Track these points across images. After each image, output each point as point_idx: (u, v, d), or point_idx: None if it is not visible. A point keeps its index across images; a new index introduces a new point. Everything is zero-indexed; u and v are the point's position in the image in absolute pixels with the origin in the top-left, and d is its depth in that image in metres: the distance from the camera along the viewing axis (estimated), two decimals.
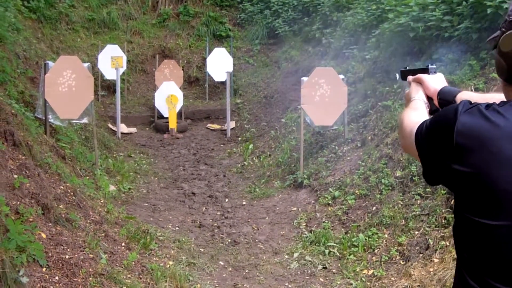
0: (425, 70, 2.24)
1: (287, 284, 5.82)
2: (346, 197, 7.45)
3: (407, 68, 2.44)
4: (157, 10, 17.73)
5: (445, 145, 1.55)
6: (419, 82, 2.19)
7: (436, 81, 2.16)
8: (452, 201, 5.99)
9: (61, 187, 6.15)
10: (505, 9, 7.05)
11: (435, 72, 2.21)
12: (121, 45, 14.56)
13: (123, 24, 16.78)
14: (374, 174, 7.46)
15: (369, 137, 8.44)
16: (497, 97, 1.77)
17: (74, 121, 9.05)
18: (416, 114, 1.91)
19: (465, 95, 2.00)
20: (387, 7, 10.26)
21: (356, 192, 7.43)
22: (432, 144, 1.62)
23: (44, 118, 8.30)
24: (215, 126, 13.87)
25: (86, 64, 9.10)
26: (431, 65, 2.23)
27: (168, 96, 12.97)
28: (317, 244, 6.67)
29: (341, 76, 9.29)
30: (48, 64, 8.61)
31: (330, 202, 7.65)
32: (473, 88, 7.15)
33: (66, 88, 8.52)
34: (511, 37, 1.58)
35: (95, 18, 16.32)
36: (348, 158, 8.50)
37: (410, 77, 2.28)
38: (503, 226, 1.47)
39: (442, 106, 2.04)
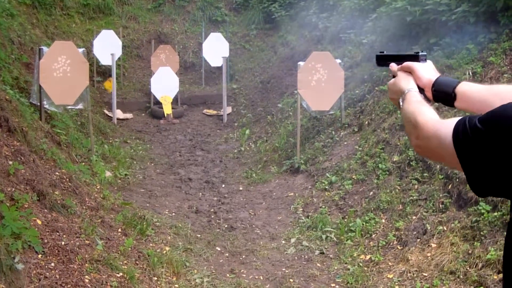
0: (414, 58, 1.95)
1: (284, 269, 5.81)
2: (343, 182, 7.43)
3: (385, 52, 2.15)
4: None
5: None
6: (408, 71, 1.90)
7: (429, 70, 1.89)
8: (450, 185, 5.98)
9: (57, 173, 6.12)
10: None
11: (425, 60, 1.94)
12: (117, 30, 14.45)
13: (118, 9, 16.65)
14: (371, 159, 7.44)
15: (366, 122, 8.41)
16: (507, 89, 1.60)
17: (69, 107, 8.99)
18: (429, 110, 1.66)
19: (466, 86, 1.76)
20: None
21: (353, 177, 7.41)
22: (490, 150, 1.34)
23: (39, 104, 8.24)
24: (212, 112, 13.82)
25: (81, 50, 9.03)
26: (422, 52, 1.97)
27: (162, 96, 12.96)
28: (314, 229, 6.66)
29: (338, 61, 9.23)
30: (43, 50, 8.54)
31: (327, 187, 7.63)
32: (470, 73, 7.12)
33: (61, 73, 8.45)
34: None
35: (90, 3, 16.16)
36: (345, 143, 8.47)
37: (394, 65, 1.98)
38: None
39: (438, 98, 1.83)
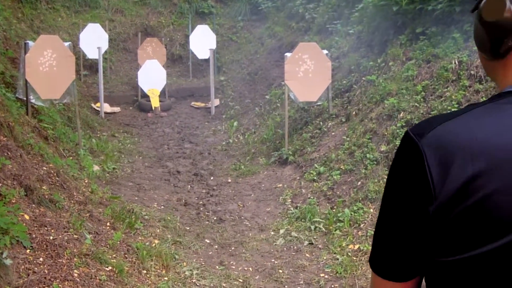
0: None
1: (273, 260, 5.83)
2: (331, 173, 7.45)
3: None
4: None
5: None
6: None
7: None
8: None
9: (44, 168, 6.09)
10: None
11: None
12: (103, 23, 14.39)
13: (104, 3, 16.55)
14: (359, 149, 7.46)
15: (354, 112, 8.43)
16: None
17: (56, 101, 8.95)
18: None
19: None
20: None
21: (341, 167, 7.44)
22: None
23: (25, 98, 8.19)
24: (199, 104, 13.80)
25: (66, 43, 8.99)
26: None
27: (149, 89, 12.92)
28: (302, 220, 6.68)
29: (325, 51, 9.24)
30: (28, 44, 8.48)
31: (315, 178, 7.65)
32: (457, 61, 7.15)
33: (47, 68, 8.41)
34: (499, 1, 1.21)
35: None
36: (332, 133, 8.49)
37: None
38: None
39: None
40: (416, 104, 7.20)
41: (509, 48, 1.20)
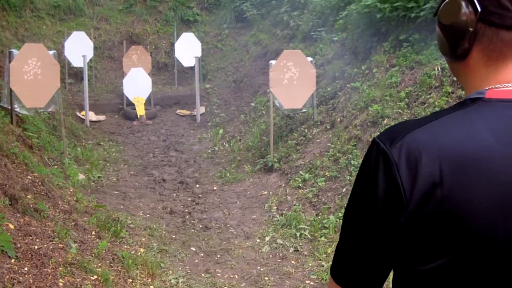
0: None
1: (259, 267, 5.84)
2: (317, 180, 7.49)
3: None
4: None
5: None
6: None
7: None
8: None
9: (29, 177, 6.08)
10: None
11: None
12: (88, 31, 14.37)
13: (89, 10, 16.54)
14: (343, 155, 7.51)
15: (338, 119, 8.49)
16: None
17: (41, 110, 8.93)
18: None
19: None
20: None
21: (326, 174, 7.48)
22: None
23: (10, 107, 8.17)
24: (185, 112, 13.81)
25: (51, 52, 8.97)
26: None
27: (135, 97, 12.93)
28: (288, 227, 6.71)
29: (309, 59, 9.29)
30: (13, 53, 8.47)
31: (300, 185, 7.68)
32: (439, 68, 7.23)
33: (31, 76, 8.39)
34: (455, 4, 1.23)
35: (61, 4, 16.04)
36: (317, 140, 8.53)
37: None
38: None
39: None
40: (400, 110, 7.27)
41: (466, 50, 1.22)
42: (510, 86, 1.19)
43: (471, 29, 1.19)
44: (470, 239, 1.11)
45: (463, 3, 1.20)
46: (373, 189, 1.19)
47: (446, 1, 1.26)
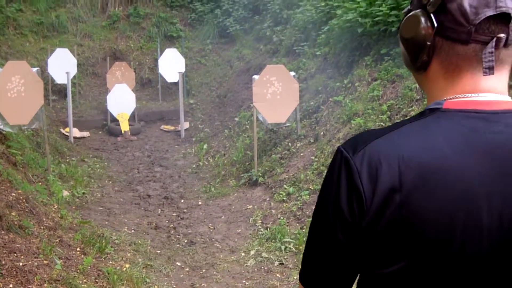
0: None
1: (244, 281, 5.87)
2: (301, 193, 7.54)
3: None
4: (107, 12, 17.54)
5: None
6: None
7: None
8: None
9: (13, 194, 6.08)
10: None
11: None
12: (71, 48, 14.37)
13: (73, 27, 16.55)
14: (327, 169, 7.56)
15: (322, 133, 8.57)
16: None
17: (24, 127, 8.92)
18: None
19: None
20: (335, 4, 10.42)
21: (310, 187, 7.54)
22: None
23: None
24: (169, 127, 13.83)
25: (35, 69, 8.99)
26: None
27: (119, 113, 12.95)
28: (273, 240, 6.74)
29: (292, 73, 9.38)
30: None
31: (285, 198, 7.73)
32: None
33: (15, 93, 8.40)
34: (415, 19, 1.29)
35: (44, 22, 16.05)
36: (301, 154, 8.60)
37: None
38: None
39: None
40: (382, 123, 7.36)
41: (425, 62, 1.30)
42: (465, 97, 1.26)
43: (428, 43, 1.26)
44: (425, 245, 1.17)
45: (422, 19, 1.27)
46: (336, 195, 1.25)
47: (407, 16, 1.33)
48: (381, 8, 8.56)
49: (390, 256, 1.21)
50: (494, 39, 1.20)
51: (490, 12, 1.19)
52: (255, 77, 9.19)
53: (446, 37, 1.25)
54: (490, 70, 1.22)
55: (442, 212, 1.16)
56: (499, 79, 1.26)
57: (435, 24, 1.25)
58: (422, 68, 1.33)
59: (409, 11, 1.34)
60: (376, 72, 8.47)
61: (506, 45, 1.22)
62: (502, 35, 1.20)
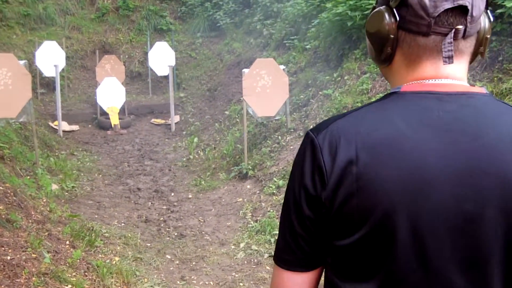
0: None
1: (234, 274, 5.87)
2: None
3: None
4: (96, 4, 17.45)
5: None
6: None
7: None
8: None
9: (0, 187, 6.05)
10: None
11: None
12: (60, 41, 14.30)
13: (61, 20, 16.47)
14: None
15: (311, 126, 8.56)
16: None
17: (12, 120, 8.87)
18: None
19: None
20: None
21: None
22: None
23: None
24: (159, 121, 13.80)
25: (22, 62, 8.93)
26: None
27: (109, 107, 12.90)
28: (262, 233, 6.75)
29: (282, 67, 9.38)
30: None
31: (274, 191, 7.74)
32: None
33: (2, 86, 8.35)
34: (378, 15, 1.36)
35: (31, 13, 15.95)
36: (291, 147, 8.61)
37: None
38: None
39: None
40: None
41: (390, 55, 1.37)
42: (423, 82, 1.34)
43: (392, 36, 1.34)
44: (381, 214, 1.23)
45: (386, 14, 1.34)
46: (302, 171, 1.33)
47: (372, 13, 1.40)
48: (370, 1, 8.56)
49: (348, 227, 1.27)
50: (453, 31, 1.28)
51: (448, 5, 1.26)
52: (245, 70, 9.18)
53: (408, 30, 1.32)
54: (449, 59, 1.30)
55: (395, 181, 1.22)
56: (458, 67, 1.34)
57: (397, 18, 1.32)
58: (387, 60, 1.40)
59: (374, 8, 1.42)
60: (365, 65, 8.48)
61: (464, 36, 1.30)
62: (460, 26, 1.28)
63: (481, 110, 1.28)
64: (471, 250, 1.23)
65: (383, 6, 1.36)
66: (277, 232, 1.45)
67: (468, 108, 1.28)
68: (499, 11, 6.41)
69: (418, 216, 1.22)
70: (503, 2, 6.24)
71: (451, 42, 1.28)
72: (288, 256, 1.40)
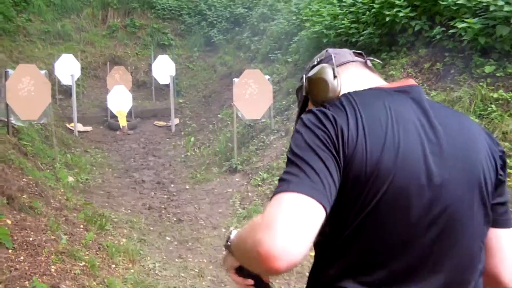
0: None
1: (224, 253, 5.90)
2: (273, 178, 7.59)
3: None
4: (107, 23, 17.42)
5: None
6: None
7: None
8: None
9: (24, 179, 6.06)
10: (400, 17, 7.34)
11: None
12: (75, 54, 14.26)
13: (77, 36, 16.42)
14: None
15: (292, 128, 8.62)
16: None
17: (34, 122, 8.86)
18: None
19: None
20: (304, 17, 10.49)
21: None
22: None
23: (6, 120, 8.10)
24: (161, 123, 13.79)
25: (43, 71, 8.93)
26: None
27: (118, 111, 12.88)
28: (249, 218, 6.78)
29: (267, 77, 9.42)
30: (8, 72, 8.41)
31: (260, 183, 7.78)
32: None
33: (25, 93, 8.34)
34: (322, 84, 1.39)
35: (51, 30, 15.90)
36: (274, 146, 8.66)
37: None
38: None
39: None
40: None
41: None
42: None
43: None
44: (371, 173, 1.24)
45: (329, 81, 1.41)
46: (326, 126, 1.29)
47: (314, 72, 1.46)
48: (343, 22, 8.64)
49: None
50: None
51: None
52: (235, 80, 9.21)
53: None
54: None
55: (385, 145, 1.26)
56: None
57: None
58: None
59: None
60: None
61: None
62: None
63: None
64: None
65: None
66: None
67: None
68: (451, 31, 6.50)
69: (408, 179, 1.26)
70: (455, 24, 6.33)
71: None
72: (309, 187, 1.19)
